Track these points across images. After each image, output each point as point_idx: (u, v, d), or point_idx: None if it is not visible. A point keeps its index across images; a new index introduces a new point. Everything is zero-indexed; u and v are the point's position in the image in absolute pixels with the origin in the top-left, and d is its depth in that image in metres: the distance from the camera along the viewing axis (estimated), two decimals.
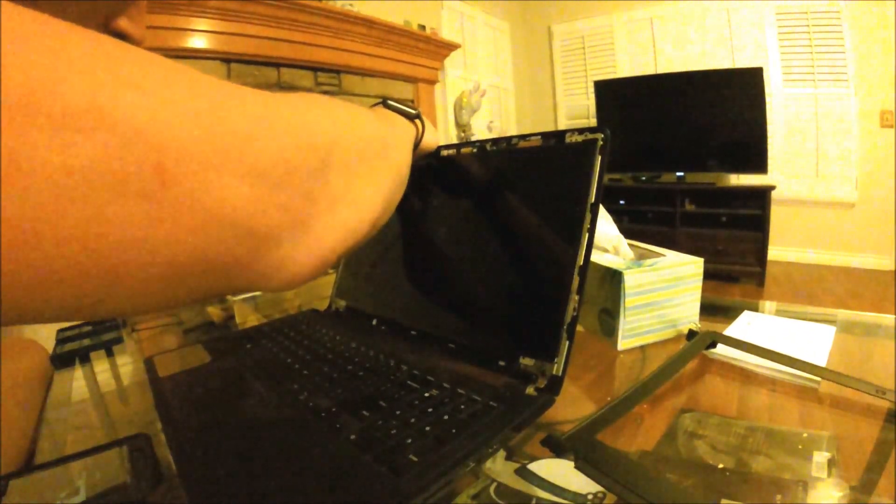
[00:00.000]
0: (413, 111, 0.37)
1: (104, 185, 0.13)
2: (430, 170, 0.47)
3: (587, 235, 0.34)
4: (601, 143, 0.35)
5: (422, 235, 0.48)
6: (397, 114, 0.36)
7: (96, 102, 0.13)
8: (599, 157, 0.35)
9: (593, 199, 0.35)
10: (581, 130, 0.37)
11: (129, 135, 0.13)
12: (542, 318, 0.36)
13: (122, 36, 0.27)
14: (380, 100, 0.37)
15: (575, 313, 0.34)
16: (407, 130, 0.35)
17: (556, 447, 0.29)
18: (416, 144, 0.37)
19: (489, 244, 0.42)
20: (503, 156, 0.43)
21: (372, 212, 0.26)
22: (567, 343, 0.34)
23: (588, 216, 0.34)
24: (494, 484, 0.29)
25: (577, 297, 0.34)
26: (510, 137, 0.43)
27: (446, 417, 0.31)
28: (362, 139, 0.26)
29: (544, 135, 0.40)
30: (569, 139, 0.38)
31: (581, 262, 0.34)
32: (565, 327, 0.34)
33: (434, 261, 0.47)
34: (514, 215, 0.42)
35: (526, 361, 0.35)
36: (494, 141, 0.44)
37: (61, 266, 0.13)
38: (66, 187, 0.12)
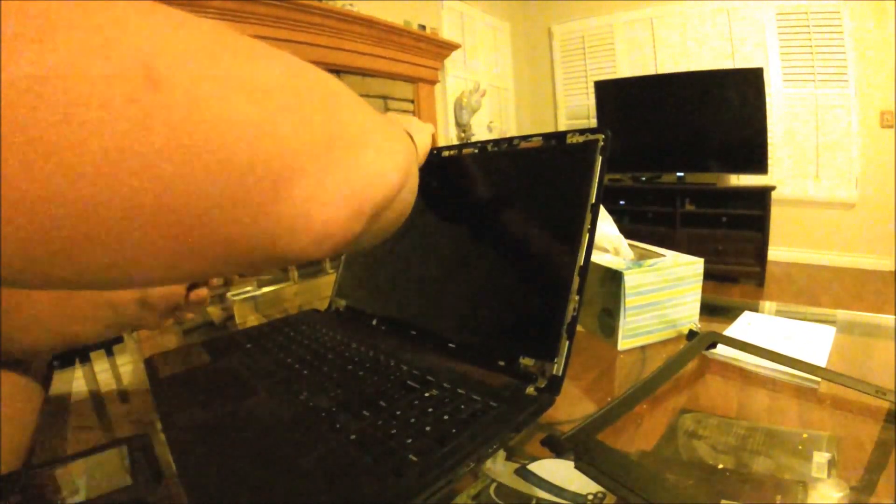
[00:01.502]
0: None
1: (81, 85, 0.11)
2: (431, 170, 0.47)
3: (587, 236, 0.34)
4: (602, 143, 0.35)
5: (422, 236, 0.48)
6: None
7: (78, 4, 0.12)
8: (600, 158, 0.35)
9: (594, 200, 0.35)
10: (582, 131, 0.37)
11: (113, 36, 0.12)
12: (543, 318, 0.36)
13: None
14: None
15: (575, 313, 0.34)
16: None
17: (556, 447, 0.29)
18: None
19: (489, 245, 0.42)
20: (504, 157, 0.43)
21: (396, 170, 0.23)
22: (567, 343, 0.34)
23: (588, 217, 0.34)
24: (494, 484, 0.29)
25: (577, 298, 0.34)
26: (511, 138, 0.43)
27: (446, 417, 0.31)
28: (364, 112, 0.24)
29: (545, 136, 0.40)
30: (570, 140, 0.38)
31: (581, 263, 0.34)
32: (565, 327, 0.34)
33: (434, 261, 0.47)
34: (514, 216, 0.41)
35: (526, 361, 0.35)
36: (495, 142, 0.44)
37: (38, 191, 0.11)
38: (35, 88, 0.11)
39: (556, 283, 0.35)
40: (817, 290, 2.84)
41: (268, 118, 0.16)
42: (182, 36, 0.14)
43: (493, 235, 0.43)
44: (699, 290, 0.52)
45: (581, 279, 0.34)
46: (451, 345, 0.41)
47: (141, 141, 0.12)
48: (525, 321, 0.37)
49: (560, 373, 0.33)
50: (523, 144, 0.41)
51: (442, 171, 0.47)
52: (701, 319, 0.52)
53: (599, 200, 0.35)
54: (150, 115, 0.12)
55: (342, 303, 0.57)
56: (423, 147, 0.40)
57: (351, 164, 0.19)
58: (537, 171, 0.40)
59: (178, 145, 0.13)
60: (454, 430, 0.29)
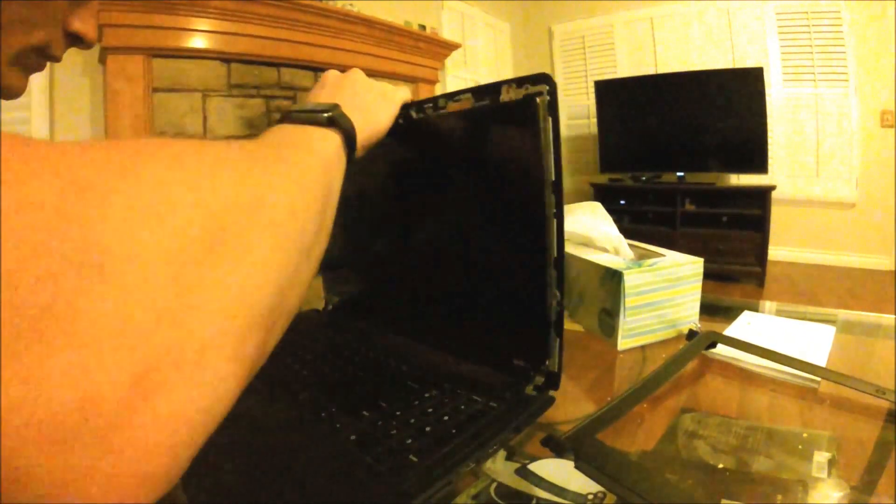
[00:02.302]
0: (325, 111, 0.28)
1: None
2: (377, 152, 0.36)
3: (555, 221, 0.29)
4: (547, 97, 0.28)
5: (403, 229, 0.46)
6: (306, 125, 0.27)
7: None
8: (549, 119, 0.28)
9: (553, 177, 0.29)
10: (520, 81, 0.29)
11: None
12: (528, 320, 0.34)
13: (77, 36, 0.28)
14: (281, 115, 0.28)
15: (559, 309, 0.31)
16: (318, 149, 0.26)
17: (556, 447, 0.29)
18: (352, 145, 0.29)
19: (460, 241, 0.39)
20: (437, 125, 0.36)
21: (241, 341, 0.16)
22: (557, 341, 0.32)
23: (551, 198, 0.29)
24: (495, 484, 0.29)
25: (557, 294, 0.31)
26: (436, 98, 0.34)
27: (446, 418, 0.31)
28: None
29: (475, 91, 0.32)
30: (505, 96, 0.30)
31: (556, 254, 0.30)
32: (552, 327, 0.32)
33: (427, 260, 0.47)
34: (472, 202, 0.37)
35: (520, 363, 0.35)
36: (418, 105, 0.35)
37: None
38: None
39: (532, 281, 0.32)
40: (817, 290, 2.84)
41: None
42: None
43: (459, 230, 0.38)
44: (699, 290, 0.52)
45: (559, 272, 0.30)
46: (450, 345, 0.41)
47: None
48: (512, 324, 0.36)
49: (556, 369, 0.33)
50: (452, 106, 0.34)
51: (387, 153, 0.37)
52: (701, 319, 0.52)
53: (560, 176, 0.29)
54: None
55: (336, 300, 0.57)
56: (373, 126, 0.32)
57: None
58: (480, 141, 0.33)
59: None
60: (454, 431, 0.29)
